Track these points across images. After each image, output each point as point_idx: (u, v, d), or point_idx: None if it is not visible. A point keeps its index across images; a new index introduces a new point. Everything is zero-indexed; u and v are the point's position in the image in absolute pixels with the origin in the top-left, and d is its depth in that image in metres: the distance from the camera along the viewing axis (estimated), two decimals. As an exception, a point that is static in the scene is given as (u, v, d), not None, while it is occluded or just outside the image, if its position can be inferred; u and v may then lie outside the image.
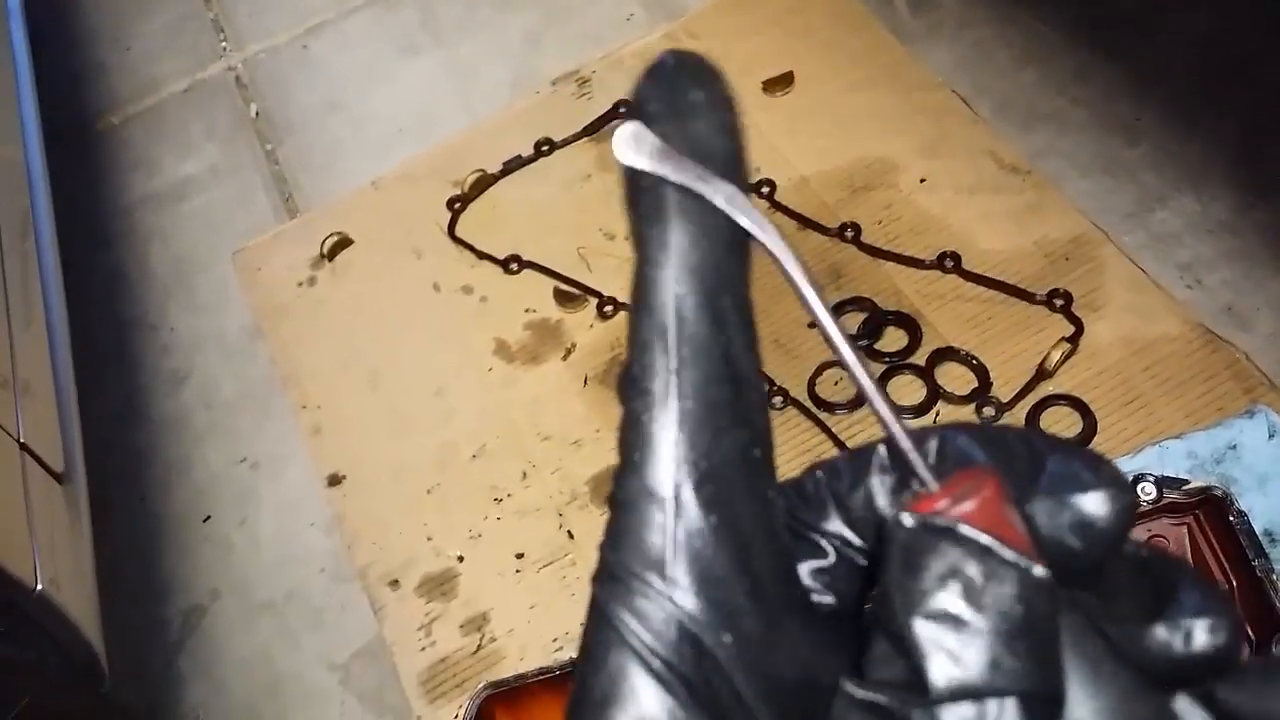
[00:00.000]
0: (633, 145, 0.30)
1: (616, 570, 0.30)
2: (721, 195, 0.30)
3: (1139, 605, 0.30)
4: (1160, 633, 0.29)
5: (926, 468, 0.31)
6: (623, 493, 0.31)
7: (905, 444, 0.31)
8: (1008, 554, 0.28)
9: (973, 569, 0.28)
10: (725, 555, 0.30)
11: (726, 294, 0.31)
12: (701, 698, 0.28)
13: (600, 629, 0.30)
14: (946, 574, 0.28)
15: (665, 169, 0.30)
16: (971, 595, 0.27)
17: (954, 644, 0.27)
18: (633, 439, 0.31)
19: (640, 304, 0.31)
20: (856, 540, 0.33)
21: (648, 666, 0.28)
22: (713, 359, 0.30)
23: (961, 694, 0.27)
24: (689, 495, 0.29)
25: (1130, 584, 0.30)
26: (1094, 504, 0.29)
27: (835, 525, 0.33)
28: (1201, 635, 0.29)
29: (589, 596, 0.31)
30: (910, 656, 0.27)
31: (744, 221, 0.30)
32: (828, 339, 0.32)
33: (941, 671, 0.27)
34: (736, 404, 0.31)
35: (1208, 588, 0.30)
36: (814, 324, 0.32)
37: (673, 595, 0.29)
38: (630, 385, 0.31)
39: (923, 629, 0.27)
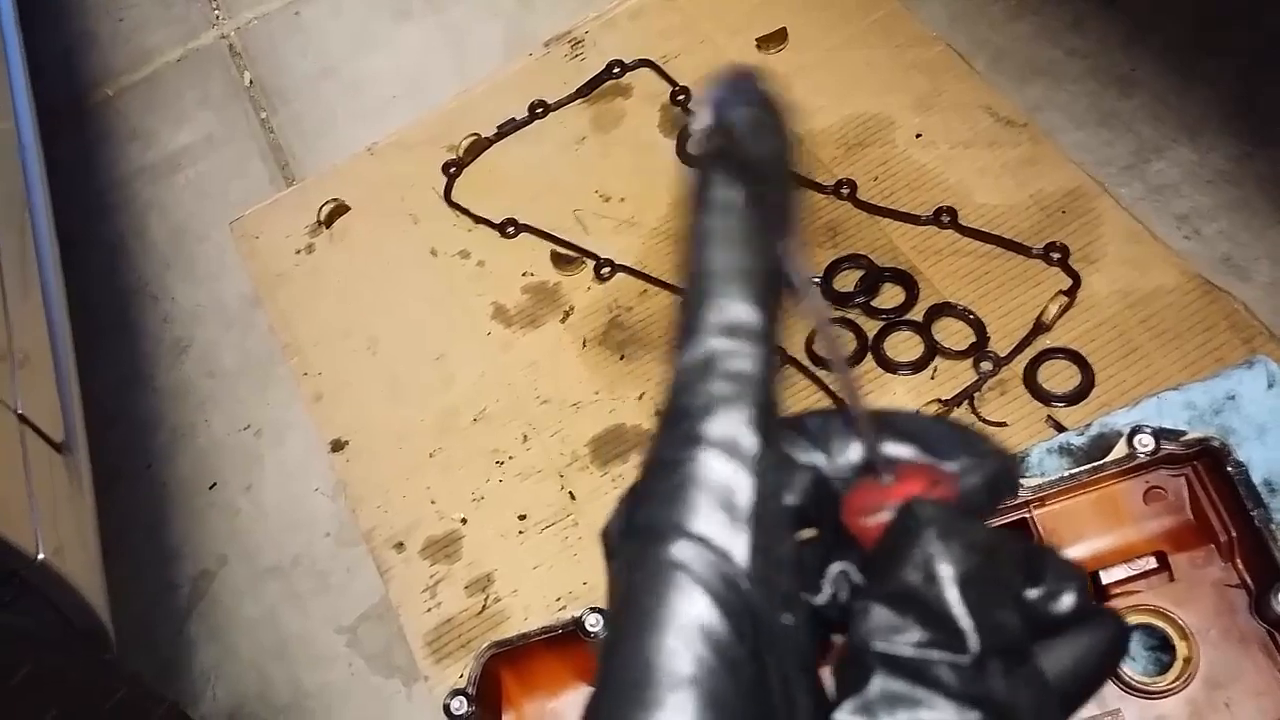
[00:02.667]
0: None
1: (671, 531, 0.30)
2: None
3: (1020, 573, 0.34)
4: (1036, 594, 0.34)
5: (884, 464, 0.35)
6: (690, 458, 0.31)
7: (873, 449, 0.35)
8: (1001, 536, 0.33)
9: (987, 548, 0.32)
10: (783, 536, 0.32)
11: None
12: (756, 672, 0.30)
13: (663, 590, 0.30)
14: (975, 548, 0.32)
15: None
16: (993, 569, 0.32)
17: (986, 609, 0.31)
18: (709, 400, 0.32)
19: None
20: None
21: (712, 639, 0.29)
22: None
23: (992, 652, 0.30)
24: (757, 474, 0.31)
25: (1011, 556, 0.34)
26: (996, 467, 0.35)
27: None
28: (1068, 598, 0.34)
29: (640, 552, 0.31)
30: (944, 620, 0.31)
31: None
32: (807, 304, 0.35)
33: (978, 635, 0.31)
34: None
35: (1067, 560, 0.35)
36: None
37: (738, 570, 0.30)
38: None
39: (956, 597, 0.31)
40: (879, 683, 0.30)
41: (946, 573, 0.31)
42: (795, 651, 0.31)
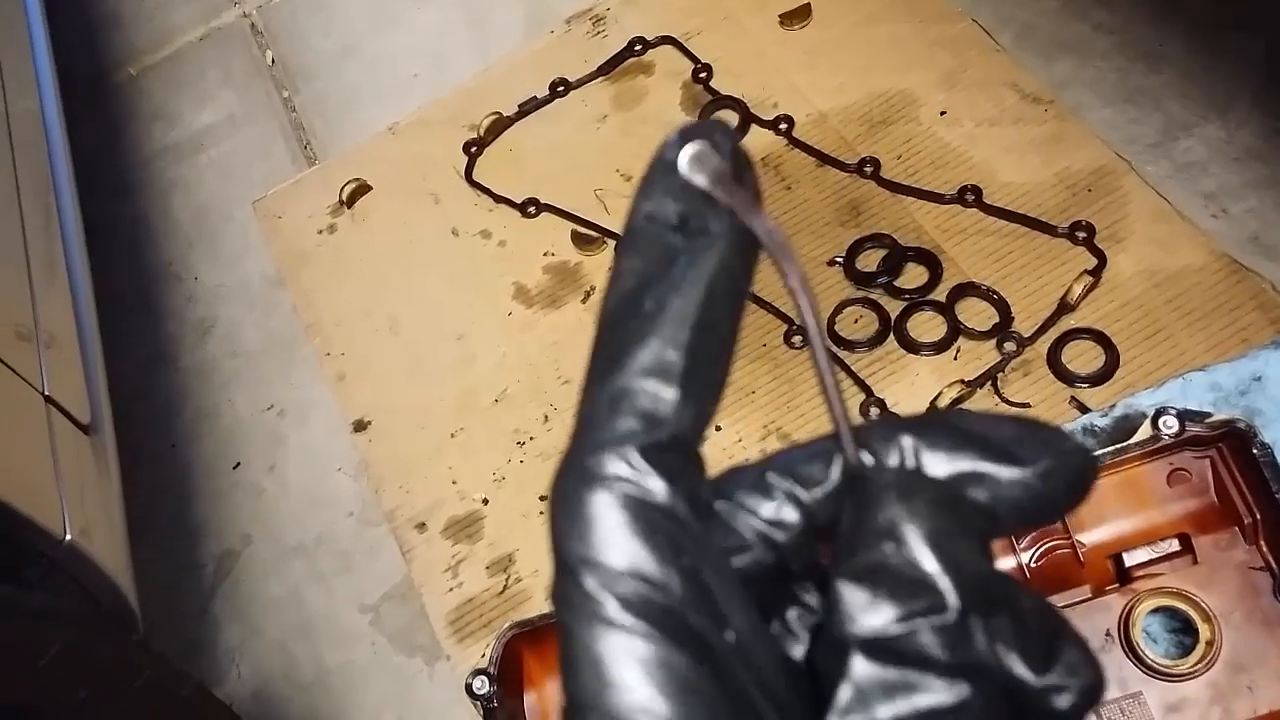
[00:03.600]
0: (697, 165, 0.33)
1: (581, 564, 0.30)
2: (760, 228, 0.33)
3: (1027, 651, 0.31)
4: (1044, 682, 0.31)
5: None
6: (592, 491, 0.31)
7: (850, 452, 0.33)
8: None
9: (950, 500, 0.32)
10: (710, 555, 0.31)
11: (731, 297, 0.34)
12: (721, 691, 0.29)
13: (588, 624, 0.29)
14: (938, 504, 0.31)
15: (719, 192, 0.33)
16: (959, 520, 0.31)
17: (958, 561, 0.30)
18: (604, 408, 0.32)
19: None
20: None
21: (657, 664, 0.29)
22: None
23: (971, 606, 0.29)
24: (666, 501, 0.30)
25: (1022, 631, 0.32)
26: (1076, 465, 0.33)
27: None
28: (1067, 697, 0.31)
29: (561, 589, 0.30)
30: (919, 583, 0.30)
31: (775, 254, 0.33)
32: (815, 365, 0.34)
33: (957, 590, 0.30)
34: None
35: (1087, 649, 0.32)
36: (804, 342, 0.33)
37: (665, 594, 0.29)
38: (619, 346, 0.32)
39: (929, 555, 0.30)
40: (863, 671, 0.29)
41: (914, 532, 0.30)
42: (754, 664, 0.30)
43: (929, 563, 0.30)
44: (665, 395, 0.31)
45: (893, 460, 0.33)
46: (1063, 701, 0.31)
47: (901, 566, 0.30)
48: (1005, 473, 0.33)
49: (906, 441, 0.33)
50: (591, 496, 0.31)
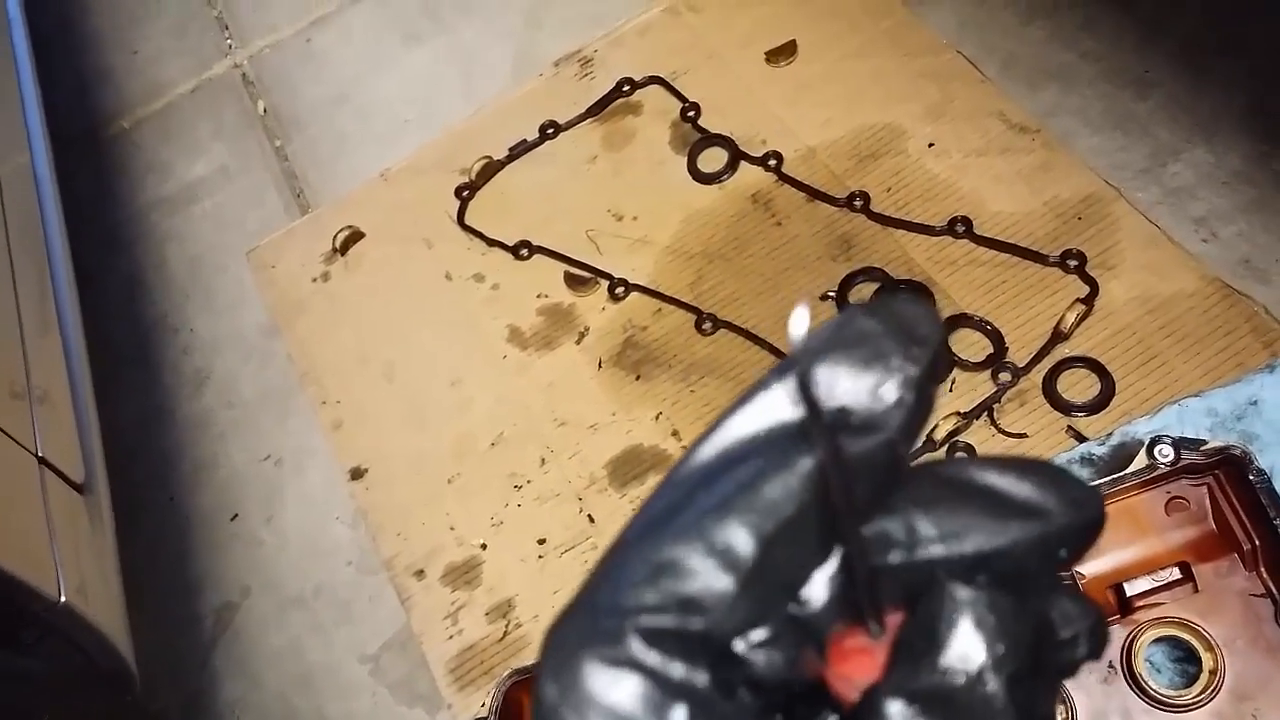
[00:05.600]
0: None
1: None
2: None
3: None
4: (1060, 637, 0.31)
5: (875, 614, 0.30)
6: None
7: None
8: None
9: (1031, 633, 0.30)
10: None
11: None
12: None
13: None
14: (1020, 639, 0.29)
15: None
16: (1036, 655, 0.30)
17: (1030, 707, 0.29)
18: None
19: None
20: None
21: None
22: None
23: None
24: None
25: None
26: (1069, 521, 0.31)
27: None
28: (1084, 647, 0.31)
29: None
30: None
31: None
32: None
33: None
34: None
35: (1081, 599, 0.32)
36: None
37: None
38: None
39: (1006, 701, 0.28)
40: None
41: (995, 672, 0.27)
42: None
43: (1005, 710, 0.27)
44: (718, 586, 0.27)
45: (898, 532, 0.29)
46: (1080, 653, 0.31)
47: (973, 705, 0.27)
48: (1025, 531, 0.30)
49: (923, 527, 0.29)
50: (591, 664, 0.27)
